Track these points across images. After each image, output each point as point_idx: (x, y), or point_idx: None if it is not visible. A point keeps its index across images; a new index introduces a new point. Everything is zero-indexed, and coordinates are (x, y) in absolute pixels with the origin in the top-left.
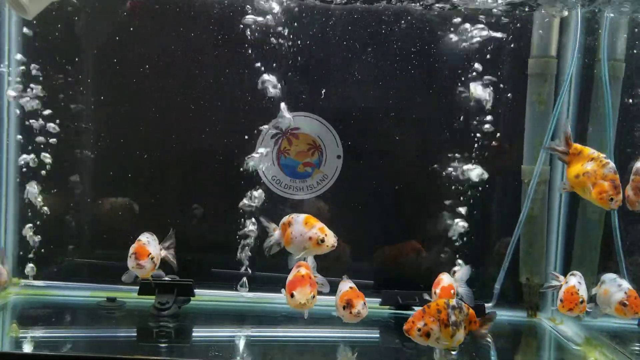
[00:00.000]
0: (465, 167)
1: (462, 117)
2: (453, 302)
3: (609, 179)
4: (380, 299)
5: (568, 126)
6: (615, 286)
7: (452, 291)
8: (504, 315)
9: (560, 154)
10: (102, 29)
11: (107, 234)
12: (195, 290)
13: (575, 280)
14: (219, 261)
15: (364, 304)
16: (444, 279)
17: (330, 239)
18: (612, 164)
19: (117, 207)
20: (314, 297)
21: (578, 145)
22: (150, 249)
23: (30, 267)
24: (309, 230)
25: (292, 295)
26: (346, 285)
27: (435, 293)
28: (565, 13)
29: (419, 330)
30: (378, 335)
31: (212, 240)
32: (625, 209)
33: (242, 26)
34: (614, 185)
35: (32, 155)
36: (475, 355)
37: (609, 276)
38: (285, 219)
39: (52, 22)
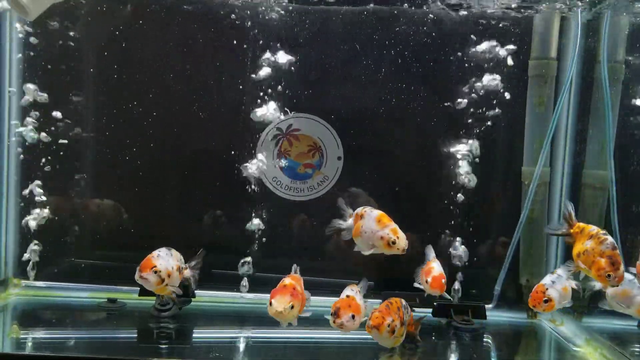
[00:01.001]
0: (466, 168)
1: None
2: (404, 302)
3: (606, 256)
4: (380, 300)
5: (569, 206)
6: (636, 288)
7: (443, 280)
8: (504, 316)
9: (563, 235)
10: (104, 30)
11: (108, 235)
12: (195, 291)
13: (548, 279)
14: (220, 262)
15: (353, 316)
16: (435, 267)
17: (402, 242)
18: (610, 240)
19: (118, 208)
20: (292, 307)
21: (580, 224)
22: (157, 262)
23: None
24: (381, 229)
25: (270, 303)
26: (345, 293)
27: (426, 282)
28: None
29: (388, 326)
30: None
31: (213, 241)
32: (624, 210)
33: (242, 27)
34: (612, 262)
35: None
36: (476, 356)
37: (626, 276)
38: (359, 209)
39: (53, 22)
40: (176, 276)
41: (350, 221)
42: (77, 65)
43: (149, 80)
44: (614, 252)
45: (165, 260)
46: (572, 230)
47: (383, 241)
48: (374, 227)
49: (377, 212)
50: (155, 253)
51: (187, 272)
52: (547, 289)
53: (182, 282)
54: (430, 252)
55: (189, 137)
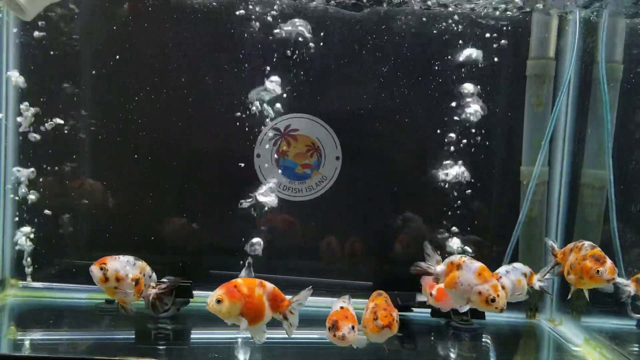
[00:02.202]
0: (462, 169)
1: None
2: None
3: (588, 257)
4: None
5: (550, 241)
6: None
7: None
8: (503, 316)
9: (556, 265)
10: (101, 30)
11: (106, 236)
12: (194, 292)
13: (503, 269)
14: (218, 263)
15: (353, 327)
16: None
17: (502, 301)
18: (587, 243)
19: (115, 209)
20: (219, 302)
21: (560, 250)
22: (111, 262)
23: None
24: (480, 283)
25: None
26: (338, 305)
27: (430, 295)
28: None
29: (396, 321)
30: None
31: (211, 242)
32: (623, 209)
33: (241, 28)
34: (595, 259)
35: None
36: (475, 356)
37: None
38: (455, 258)
39: (50, 22)
40: (129, 285)
41: (441, 267)
42: (75, 66)
43: (147, 81)
44: (595, 251)
45: (122, 265)
46: (559, 260)
47: (481, 297)
48: (473, 280)
49: (477, 265)
50: (117, 256)
51: (151, 291)
52: (500, 277)
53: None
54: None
55: (188, 137)
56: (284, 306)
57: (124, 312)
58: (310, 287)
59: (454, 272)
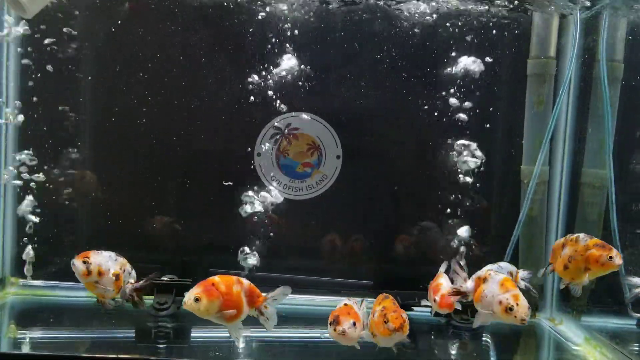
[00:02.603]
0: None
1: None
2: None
3: (592, 246)
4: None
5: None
6: None
7: (452, 299)
8: None
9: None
10: (101, 29)
11: (106, 234)
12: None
13: (487, 268)
14: (218, 261)
15: (354, 323)
16: (444, 284)
17: (522, 310)
18: (582, 235)
19: (115, 207)
20: (197, 300)
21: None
22: (93, 256)
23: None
24: (502, 293)
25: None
26: (342, 302)
27: (434, 301)
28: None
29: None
30: None
31: (211, 240)
32: (624, 209)
33: (242, 26)
34: (601, 246)
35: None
36: (475, 354)
37: None
38: (482, 272)
39: (50, 21)
40: (109, 281)
41: (470, 284)
42: (74, 64)
43: (147, 81)
44: (596, 240)
45: (104, 260)
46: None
47: (501, 306)
48: (495, 291)
49: (501, 276)
50: (100, 251)
51: (128, 287)
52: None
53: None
54: (443, 267)
55: (188, 136)
56: (259, 302)
57: (102, 307)
58: (289, 286)
59: (480, 286)
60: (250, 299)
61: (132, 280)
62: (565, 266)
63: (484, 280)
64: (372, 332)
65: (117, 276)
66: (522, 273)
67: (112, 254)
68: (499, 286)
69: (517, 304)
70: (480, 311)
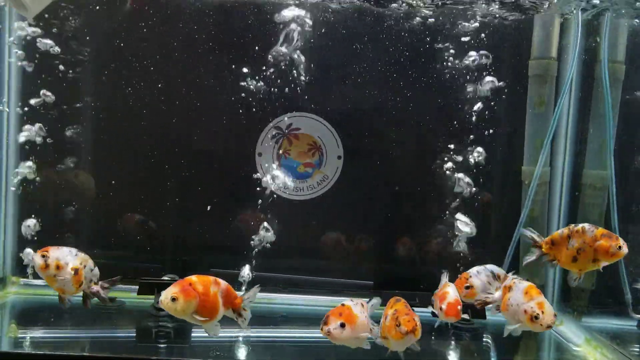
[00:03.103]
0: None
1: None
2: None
3: (600, 236)
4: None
5: (527, 232)
6: None
7: (459, 307)
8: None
9: (542, 255)
10: (103, 27)
11: (107, 234)
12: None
13: (474, 269)
14: (218, 261)
15: (343, 325)
16: (450, 292)
17: (547, 318)
18: (586, 225)
19: (116, 206)
20: (174, 300)
21: (546, 239)
22: (53, 250)
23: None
24: (526, 301)
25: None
26: (344, 302)
27: (440, 309)
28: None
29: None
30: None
31: (212, 240)
32: (625, 210)
33: (243, 26)
34: (608, 236)
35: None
36: (476, 355)
37: None
38: (508, 281)
39: (52, 19)
40: (68, 274)
41: (498, 294)
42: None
43: (148, 79)
44: (601, 229)
45: (63, 255)
46: (545, 250)
47: (527, 315)
48: (520, 299)
49: (525, 284)
50: (61, 247)
51: (93, 287)
52: (470, 276)
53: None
54: (444, 277)
55: (188, 136)
56: (237, 304)
57: (61, 303)
58: (259, 285)
59: (506, 295)
60: (227, 300)
61: (95, 280)
62: (574, 258)
63: (510, 289)
64: (384, 336)
65: (76, 271)
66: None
67: (73, 250)
68: (524, 294)
69: (543, 312)
70: (508, 320)
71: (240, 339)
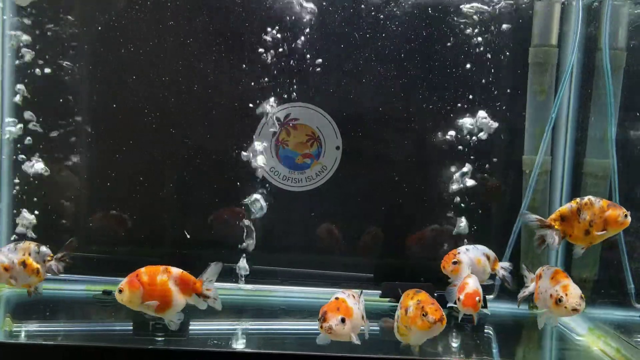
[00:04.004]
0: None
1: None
2: None
3: (607, 207)
4: (380, 291)
5: (530, 215)
6: None
7: (477, 298)
8: (506, 307)
9: (554, 232)
10: (99, 20)
11: (103, 228)
12: None
13: (463, 247)
14: (217, 255)
15: (343, 320)
16: (470, 283)
17: (571, 300)
18: (592, 197)
19: (113, 201)
20: (120, 292)
21: (552, 215)
22: None
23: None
24: (552, 286)
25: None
26: (335, 296)
27: (459, 299)
28: None
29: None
30: (378, 328)
31: (210, 235)
32: (626, 198)
33: (241, 20)
34: (614, 205)
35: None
36: (480, 344)
37: None
38: (539, 270)
39: (48, 10)
40: (19, 270)
41: (532, 285)
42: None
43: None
44: (605, 200)
45: (3, 256)
46: (557, 226)
47: (552, 300)
48: (547, 285)
49: (552, 269)
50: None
51: (52, 264)
52: (459, 252)
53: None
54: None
55: (186, 131)
56: (197, 288)
57: (34, 295)
58: (219, 262)
59: (537, 283)
60: (184, 287)
61: (49, 257)
62: (586, 231)
63: (540, 277)
64: (401, 328)
65: (24, 263)
66: (504, 264)
67: (10, 246)
68: (550, 280)
69: (566, 294)
70: (539, 319)
71: (239, 331)
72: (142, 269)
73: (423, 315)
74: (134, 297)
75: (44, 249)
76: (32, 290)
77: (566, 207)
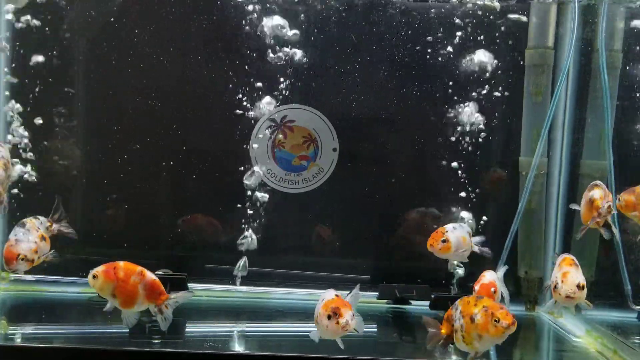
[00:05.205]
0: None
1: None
2: None
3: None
4: (377, 294)
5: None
6: None
7: (492, 289)
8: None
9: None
10: (96, 19)
11: (99, 230)
12: (189, 285)
13: (450, 225)
14: (213, 257)
15: (353, 314)
16: (486, 275)
17: (565, 287)
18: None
19: (109, 202)
20: (95, 277)
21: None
22: (19, 248)
23: None
24: (557, 272)
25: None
26: (331, 294)
27: (474, 290)
28: None
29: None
30: (375, 329)
31: (207, 236)
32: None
33: (238, 21)
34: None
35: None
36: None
37: None
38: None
39: (43, 10)
40: (43, 245)
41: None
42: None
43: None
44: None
45: (26, 241)
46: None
47: (552, 285)
48: (555, 271)
49: (562, 256)
50: (12, 239)
51: (55, 228)
52: (447, 231)
53: (60, 236)
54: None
55: (182, 132)
56: (160, 300)
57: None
58: (192, 291)
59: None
60: (150, 293)
61: (48, 222)
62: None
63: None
64: (467, 338)
65: (43, 237)
66: (475, 238)
67: (20, 229)
68: (557, 266)
69: (563, 281)
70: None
71: (236, 333)
72: (121, 264)
73: (495, 321)
74: (105, 287)
75: (41, 218)
76: (50, 258)
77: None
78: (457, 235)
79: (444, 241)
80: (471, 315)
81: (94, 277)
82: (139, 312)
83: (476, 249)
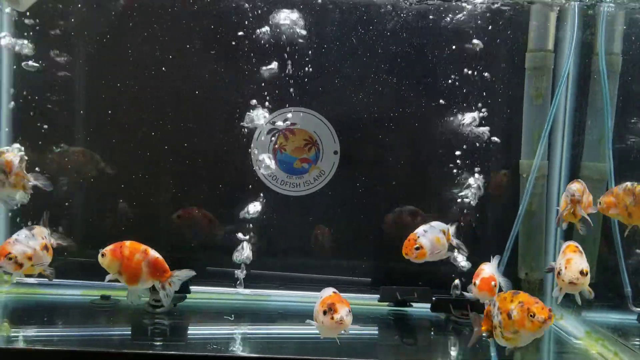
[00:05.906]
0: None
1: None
2: None
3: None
4: (378, 296)
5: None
6: None
7: (492, 283)
8: None
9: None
10: (97, 24)
11: (100, 233)
12: (191, 287)
13: (421, 229)
14: (215, 260)
15: (349, 311)
16: (485, 269)
17: (570, 273)
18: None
19: (110, 205)
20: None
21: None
22: (13, 247)
23: None
24: (561, 258)
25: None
26: (329, 291)
27: (474, 284)
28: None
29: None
30: (377, 331)
31: (208, 239)
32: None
33: (238, 22)
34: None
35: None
36: (477, 347)
37: None
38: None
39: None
40: (43, 255)
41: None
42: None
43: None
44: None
45: (24, 244)
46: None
47: (556, 271)
48: (559, 257)
49: (566, 244)
50: (13, 237)
51: (54, 242)
52: (418, 237)
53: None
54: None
55: (184, 135)
56: (164, 277)
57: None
58: (192, 271)
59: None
60: (154, 271)
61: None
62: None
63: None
64: (505, 334)
65: (45, 247)
66: (453, 229)
67: (25, 232)
68: (562, 252)
69: (566, 267)
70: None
71: (237, 335)
72: (127, 243)
73: (531, 316)
74: (112, 264)
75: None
76: (47, 273)
77: (616, 189)
78: (430, 238)
79: (417, 248)
80: (508, 311)
81: (102, 255)
82: (143, 292)
83: (454, 242)
